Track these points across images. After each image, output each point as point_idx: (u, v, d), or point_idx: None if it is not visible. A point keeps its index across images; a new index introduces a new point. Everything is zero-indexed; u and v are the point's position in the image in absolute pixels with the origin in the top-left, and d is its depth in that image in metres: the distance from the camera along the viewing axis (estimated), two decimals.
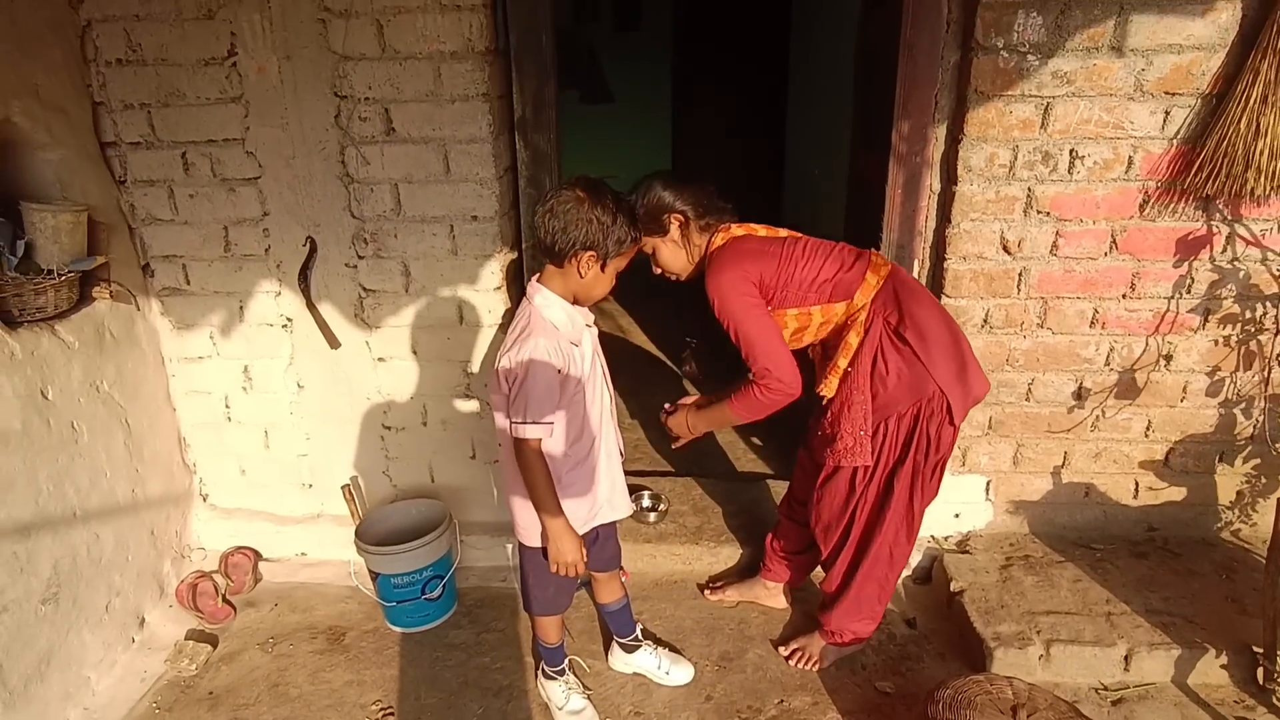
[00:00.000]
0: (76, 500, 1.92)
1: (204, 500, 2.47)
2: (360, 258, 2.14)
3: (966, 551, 2.22)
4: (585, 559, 1.60)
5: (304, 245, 2.13)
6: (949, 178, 1.99)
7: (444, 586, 2.12)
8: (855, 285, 1.68)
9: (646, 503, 2.44)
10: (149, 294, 2.23)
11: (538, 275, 1.58)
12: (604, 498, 1.67)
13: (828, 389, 1.74)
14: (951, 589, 2.08)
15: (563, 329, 1.54)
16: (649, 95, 5.29)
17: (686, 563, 2.33)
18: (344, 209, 2.09)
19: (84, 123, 2.01)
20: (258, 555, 2.40)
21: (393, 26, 1.92)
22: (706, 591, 2.22)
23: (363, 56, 1.95)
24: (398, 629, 2.14)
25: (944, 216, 2.02)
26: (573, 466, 1.61)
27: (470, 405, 2.28)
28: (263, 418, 2.35)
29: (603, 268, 1.52)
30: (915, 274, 2.09)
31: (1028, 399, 2.16)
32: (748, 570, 2.27)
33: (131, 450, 2.13)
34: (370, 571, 2.12)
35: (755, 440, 3.06)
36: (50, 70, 1.88)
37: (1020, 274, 2.03)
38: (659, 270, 1.83)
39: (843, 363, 1.70)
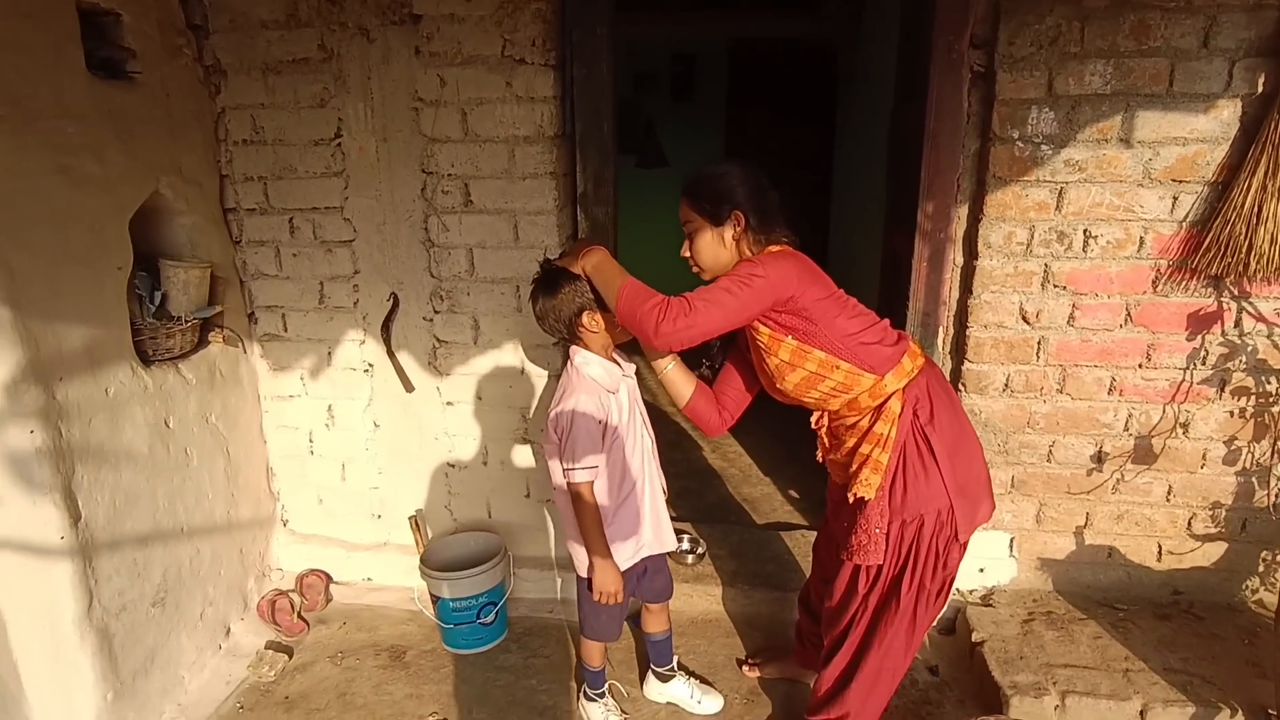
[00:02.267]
0: (184, 517, 2.19)
1: (284, 525, 2.73)
2: (436, 312, 2.41)
3: (990, 605, 2.32)
4: (624, 590, 1.78)
5: (388, 300, 2.42)
6: (970, 253, 2.17)
7: (497, 613, 2.31)
8: (890, 364, 1.59)
9: (685, 545, 2.61)
10: (252, 339, 2.54)
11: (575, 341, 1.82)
12: (649, 533, 1.86)
13: (865, 489, 1.58)
14: (973, 639, 2.17)
15: (601, 381, 1.77)
16: (702, 161, 5.60)
17: (721, 603, 2.48)
18: (424, 269, 2.37)
19: (213, 192, 2.35)
20: (329, 578, 2.64)
21: (475, 114, 2.22)
22: (744, 667, 2.21)
23: (448, 139, 2.25)
24: (453, 650, 2.33)
25: (966, 288, 2.19)
26: (619, 505, 1.81)
27: (526, 448, 2.50)
28: (341, 453, 2.62)
29: (604, 311, 1.73)
30: (940, 341, 2.25)
31: (1049, 460, 2.27)
32: (781, 636, 2.33)
33: (229, 476, 2.41)
34: (431, 595, 2.34)
35: (792, 493, 3.21)
36: (191, 150, 2.23)
37: (1039, 342, 2.18)
38: (687, 254, 1.69)
39: (884, 458, 1.57)
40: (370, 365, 2.51)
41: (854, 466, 1.63)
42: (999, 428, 2.27)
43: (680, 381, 1.85)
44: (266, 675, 2.23)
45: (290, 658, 2.31)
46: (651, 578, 1.95)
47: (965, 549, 1.67)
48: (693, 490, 3.23)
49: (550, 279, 1.75)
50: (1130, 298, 2.11)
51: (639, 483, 1.84)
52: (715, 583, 2.51)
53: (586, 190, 2.30)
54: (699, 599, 2.49)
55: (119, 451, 1.95)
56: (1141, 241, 2.07)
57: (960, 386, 2.25)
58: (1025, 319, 2.17)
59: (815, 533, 2.74)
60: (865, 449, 1.61)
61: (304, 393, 2.58)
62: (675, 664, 2.11)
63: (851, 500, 1.63)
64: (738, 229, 1.63)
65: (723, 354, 1.91)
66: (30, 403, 1.68)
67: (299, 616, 2.46)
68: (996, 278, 2.15)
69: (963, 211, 2.17)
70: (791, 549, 2.68)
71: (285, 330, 2.53)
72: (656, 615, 2.04)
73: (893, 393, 1.60)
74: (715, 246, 1.65)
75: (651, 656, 2.10)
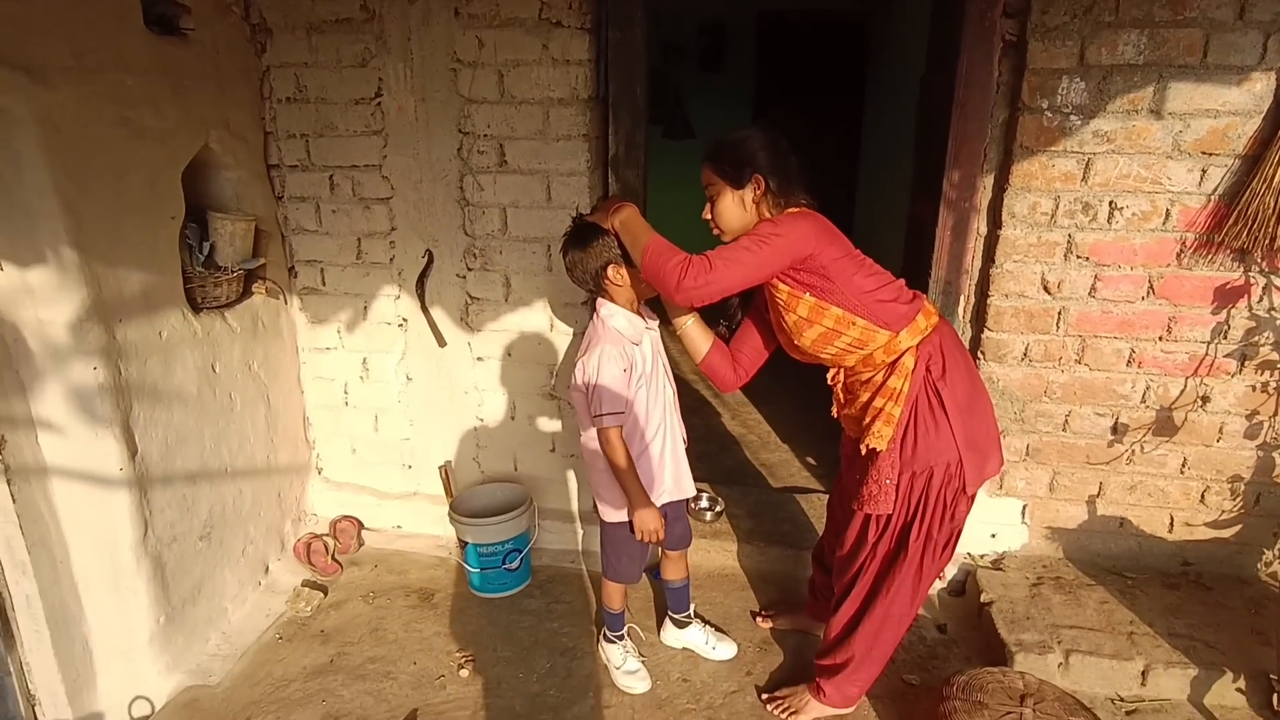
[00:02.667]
0: (228, 459, 2.31)
1: (319, 473, 2.85)
2: (469, 269, 2.49)
3: (1000, 569, 2.38)
4: (664, 529, 1.87)
5: (422, 257, 2.50)
6: (994, 222, 2.19)
7: (521, 560, 2.42)
8: (904, 321, 1.65)
9: (705, 503, 2.69)
10: (292, 292, 2.64)
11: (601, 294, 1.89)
12: (669, 480, 1.94)
13: (878, 440, 1.65)
14: (982, 600, 2.24)
15: (625, 332, 1.84)
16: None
17: (737, 559, 2.56)
18: (459, 227, 2.45)
19: (257, 148, 2.43)
20: (361, 524, 2.76)
21: (512, 76, 2.28)
22: (758, 619, 2.30)
23: (484, 100, 2.31)
24: (479, 594, 2.44)
25: (989, 257, 2.22)
26: (640, 452, 1.89)
27: (553, 405, 2.58)
28: (375, 404, 2.72)
29: (629, 266, 1.79)
30: (960, 309, 2.29)
31: (1064, 429, 2.31)
32: (794, 591, 2.41)
33: (270, 423, 2.52)
34: (459, 541, 2.44)
35: (809, 459, 3.27)
36: (239, 106, 2.31)
37: (1059, 313, 2.21)
38: (709, 216, 1.75)
39: (896, 411, 1.64)
40: (404, 320, 2.60)
41: (867, 419, 1.69)
42: (1016, 396, 2.31)
43: (698, 337, 1.92)
44: (303, 610, 2.35)
45: (325, 595, 2.44)
46: (671, 525, 2.03)
47: (973, 502, 1.73)
48: (712, 454, 3.31)
49: (581, 233, 1.82)
50: (1154, 270, 2.13)
51: (660, 431, 1.91)
52: (732, 539, 2.59)
53: (618, 153, 2.35)
54: (717, 554, 2.57)
55: (171, 392, 2.06)
56: (1168, 214, 2.08)
57: (979, 354, 2.29)
58: (1047, 289, 2.20)
59: (830, 495, 2.83)
60: (879, 402, 1.67)
61: (340, 345, 2.68)
62: (692, 611, 2.20)
63: (864, 452, 1.70)
64: (758, 192, 1.68)
65: (741, 312, 1.97)
66: (94, 341, 1.79)
67: (333, 558, 2.59)
68: (1020, 247, 2.18)
69: (988, 181, 2.19)
70: (806, 510, 2.75)
71: (324, 284, 2.62)
72: (675, 563, 2.13)
73: (906, 349, 1.66)
74: (736, 209, 1.71)
75: (669, 603, 2.19)
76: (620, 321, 1.84)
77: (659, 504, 1.94)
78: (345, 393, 2.73)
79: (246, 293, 2.41)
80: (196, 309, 2.18)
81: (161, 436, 2.02)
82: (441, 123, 2.36)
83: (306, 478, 2.80)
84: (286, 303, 2.59)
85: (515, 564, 2.40)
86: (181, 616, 2.11)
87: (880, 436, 1.66)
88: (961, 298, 2.29)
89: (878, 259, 1.74)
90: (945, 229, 2.23)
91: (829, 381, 1.84)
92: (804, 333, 1.69)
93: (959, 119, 2.15)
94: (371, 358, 2.67)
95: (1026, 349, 2.26)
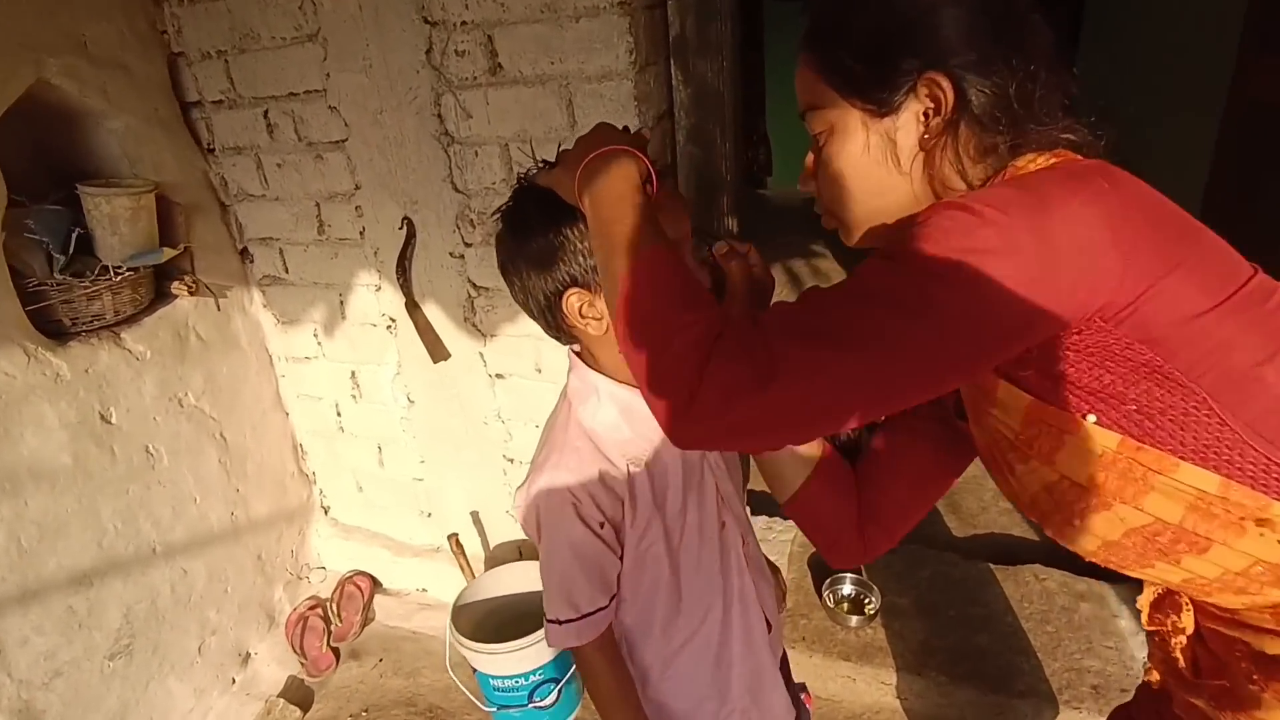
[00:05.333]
0: (155, 535, 1.65)
1: (325, 513, 2.18)
2: (467, 245, 1.61)
3: None
4: None
5: (400, 228, 1.64)
6: None
7: (559, 691, 1.60)
8: None
9: (847, 590, 1.73)
10: (249, 283, 1.89)
11: (573, 348, 0.91)
12: (738, 695, 0.98)
13: None
14: None
15: (609, 438, 0.85)
16: None
17: (902, 696, 1.61)
18: (444, 180, 1.56)
19: (153, 79, 1.64)
20: (374, 584, 2.07)
21: None
22: None
23: None
24: None
25: None
26: (675, 651, 0.95)
27: None
28: (374, 431, 1.97)
29: None
30: None
31: None
32: None
33: (229, 468, 1.84)
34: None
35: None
36: (102, 16, 1.51)
37: None
38: (810, 186, 0.76)
39: None
40: (392, 320, 1.79)
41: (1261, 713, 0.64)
42: None
43: (788, 454, 0.85)
44: None
45: (305, 713, 1.77)
46: None
47: None
48: None
49: (519, 215, 0.83)
50: None
51: (716, 608, 0.95)
52: (889, 663, 1.62)
53: (684, 31, 1.33)
54: (866, 686, 1.63)
55: (18, 470, 1.37)
56: None
57: None
58: None
59: (1059, 572, 1.80)
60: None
61: (321, 354, 1.93)
62: None
63: None
64: (935, 117, 0.66)
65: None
66: None
67: (329, 645, 1.92)
68: None
69: None
70: (1017, 601, 1.72)
71: (286, 271, 1.85)
72: None
73: None
74: (873, 167, 0.69)
75: None
76: (606, 413, 0.86)
77: None
78: (338, 414, 2.00)
79: (164, 296, 1.68)
80: (64, 335, 1.47)
81: (5, 537, 1.36)
82: (396, 9, 1.44)
83: (308, 521, 2.13)
84: (241, 300, 1.85)
85: (549, 699, 1.59)
86: None
87: None
88: None
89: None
90: None
91: (1146, 624, 0.77)
92: (1089, 520, 0.64)
93: None
94: (361, 371, 1.90)
95: None
